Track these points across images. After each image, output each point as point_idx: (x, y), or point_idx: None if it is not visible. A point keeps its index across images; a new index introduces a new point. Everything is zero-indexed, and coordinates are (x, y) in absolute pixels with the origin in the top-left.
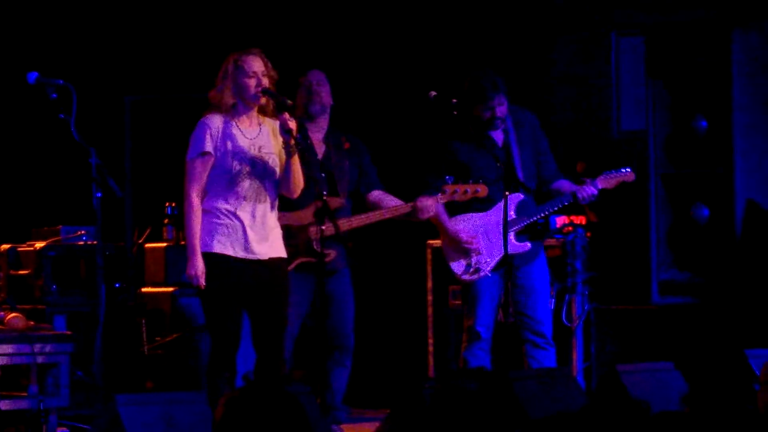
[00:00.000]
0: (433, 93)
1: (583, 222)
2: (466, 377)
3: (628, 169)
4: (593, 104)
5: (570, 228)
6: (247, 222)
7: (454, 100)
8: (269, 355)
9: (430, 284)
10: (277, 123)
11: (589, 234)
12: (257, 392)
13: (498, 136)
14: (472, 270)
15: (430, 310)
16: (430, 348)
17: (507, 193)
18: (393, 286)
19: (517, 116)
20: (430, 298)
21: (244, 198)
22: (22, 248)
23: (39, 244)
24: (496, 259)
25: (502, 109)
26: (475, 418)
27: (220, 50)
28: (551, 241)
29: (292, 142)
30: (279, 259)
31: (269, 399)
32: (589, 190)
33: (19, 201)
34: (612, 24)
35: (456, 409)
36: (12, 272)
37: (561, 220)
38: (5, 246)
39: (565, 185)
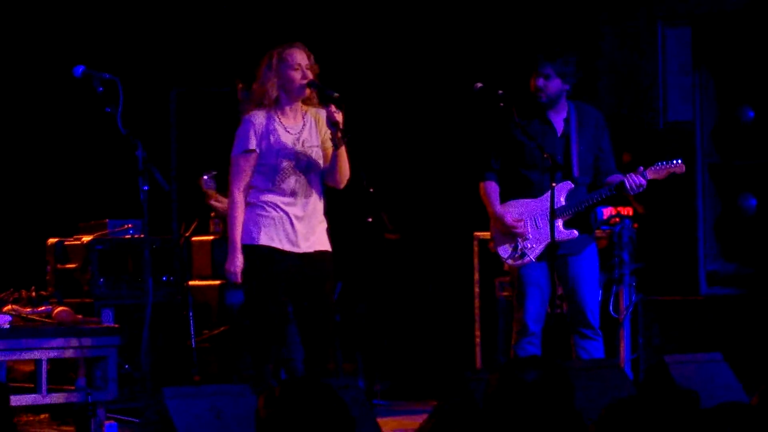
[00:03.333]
0: (479, 84)
1: (630, 213)
2: (524, 367)
3: (679, 161)
4: (639, 95)
5: (617, 219)
6: (294, 216)
7: (500, 92)
8: (317, 348)
9: (477, 276)
10: (322, 111)
11: (636, 225)
12: (297, 387)
13: (558, 124)
14: (517, 255)
15: (477, 302)
16: (477, 340)
17: (553, 184)
18: (440, 278)
19: (582, 110)
20: (477, 290)
21: (291, 193)
22: (70, 242)
23: (86, 238)
24: (542, 245)
25: (546, 83)
26: (534, 410)
27: (266, 43)
28: (598, 233)
29: (339, 134)
30: (325, 252)
31: (309, 394)
32: (637, 180)
33: (66, 195)
34: (658, 14)
35: (513, 401)
36: (59, 266)
37: (608, 212)
38: (53, 240)
39: (616, 177)
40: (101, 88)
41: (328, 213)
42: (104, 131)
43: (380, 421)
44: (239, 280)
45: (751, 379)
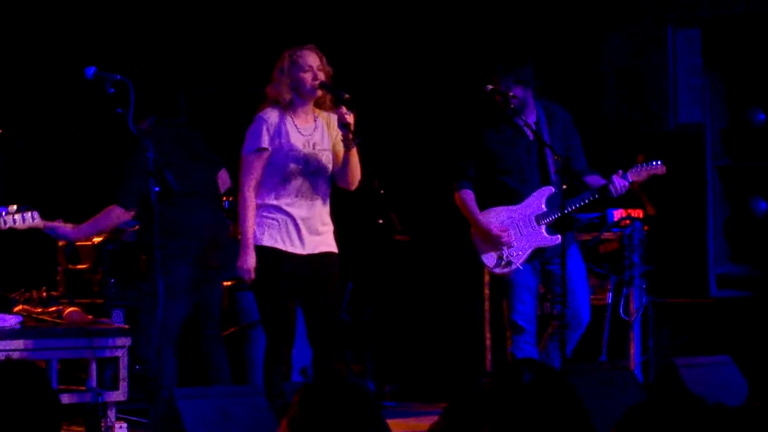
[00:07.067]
0: (490, 86)
1: (641, 215)
2: (519, 369)
3: (659, 162)
4: (650, 97)
5: (627, 221)
6: (298, 218)
7: (511, 93)
8: (324, 349)
9: (487, 279)
10: (333, 116)
11: (646, 227)
12: (332, 388)
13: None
14: (503, 263)
15: (487, 305)
16: (488, 342)
17: (544, 186)
18: (450, 282)
19: (550, 111)
20: (487, 292)
21: (296, 195)
22: (80, 243)
23: (97, 239)
24: (528, 252)
25: (509, 92)
26: (531, 411)
27: (275, 44)
28: (608, 235)
29: (350, 136)
30: (330, 254)
31: (344, 395)
32: (620, 183)
33: (77, 195)
34: (668, 16)
35: (510, 402)
36: (70, 266)
37: (619, 214)
38: (64, 241)
39: (595, 180)
40: (112, 90)
41: (338, 214)
42: (115, 132)
43: (390, 422)
44: (252, 277)
45: (760, 382)
